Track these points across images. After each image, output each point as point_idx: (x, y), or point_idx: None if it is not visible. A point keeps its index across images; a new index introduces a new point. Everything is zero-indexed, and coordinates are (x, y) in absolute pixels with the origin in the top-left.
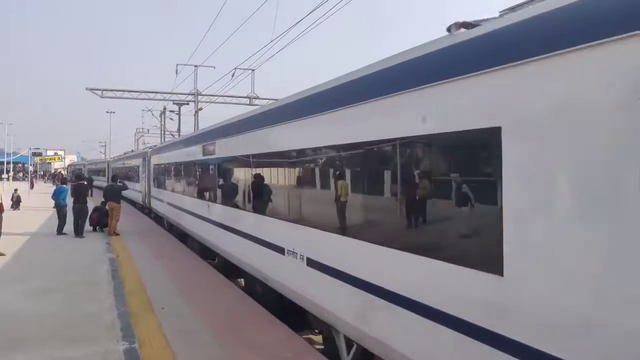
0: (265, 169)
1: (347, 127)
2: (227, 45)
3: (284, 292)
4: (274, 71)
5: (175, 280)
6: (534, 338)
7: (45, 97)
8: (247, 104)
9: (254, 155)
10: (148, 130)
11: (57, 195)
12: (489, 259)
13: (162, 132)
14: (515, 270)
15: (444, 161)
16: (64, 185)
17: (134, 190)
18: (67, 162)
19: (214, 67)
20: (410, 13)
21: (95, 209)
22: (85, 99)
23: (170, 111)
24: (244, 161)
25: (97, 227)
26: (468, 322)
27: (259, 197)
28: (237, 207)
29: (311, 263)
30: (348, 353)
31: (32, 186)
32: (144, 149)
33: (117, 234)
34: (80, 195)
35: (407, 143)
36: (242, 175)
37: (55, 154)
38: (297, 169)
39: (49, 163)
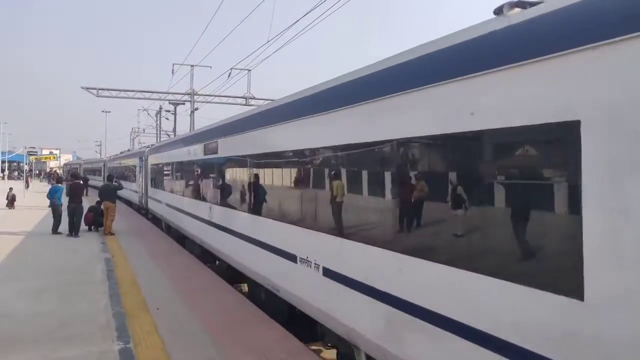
0: (276, 170)
1: (396, 119)
2: (224, 46)
3: (294, 303)
4: (275, 71)
5: (170, 281)
6: None
7: (40, 96)
8: (243, 104)
9: (265, 155)
10: (144, 130)
11: (53, 195)
12: (565, 279)
13: (158, 132)
14: (599, 294)
15: (507, 162)
16: (60, 185)
17: (131, 191)
18: (63, 161)
19: (210, 67)
20: (406, 13)
21: (91, 209)
22: (80, 98)
23: (166, 111)
24: (253, 160)
25: (92, 227)
26: (534, 353)
27: (268, 200)
28: (243, 210)
29: (329, 273)
30: None
31: (27, 185)
32: (140, 148)
33: (112, 234)
34: (75, 195)
35: (451, 140)
36: (249, 177)
37: (51, 153)
38: (316, 170)
39: (45, 162)
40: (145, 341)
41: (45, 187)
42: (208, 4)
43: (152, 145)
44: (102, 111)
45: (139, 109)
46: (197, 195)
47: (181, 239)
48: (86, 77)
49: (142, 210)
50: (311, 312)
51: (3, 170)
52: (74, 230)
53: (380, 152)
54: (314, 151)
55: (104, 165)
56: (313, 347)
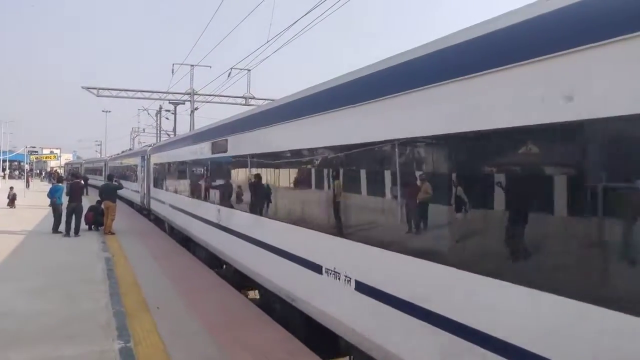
0: (298, 169)
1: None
2: (224, 46)
3: (317, 318)
4: (275, 71)
5: (171, 280)
6: None
7: (41, 95)
8: (243, 104)
9: (289, 153)
10: (144, 130)
11: (53, 194)
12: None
13: (158, 132)
14: None
15: (572, 161)
16: (60, 184)
17: (132, 191)
18: (63, 160)
19: (210, 67)
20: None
21: (91, 208)
22: (81, 98)
23: (166, 110)
24: (270, 160)
25: (93, 226)
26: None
27: (287, 204)
28: (258, 213)
29: (363, 289)
30: None
31: (28, 184)
32: (142, 147)
33: (112, 233)
34: (75, 194)
35: (503, 136)
36: (266, 178)
37: (52, 152)
38: (347, 170)
39: (45, 162)
40: (145, 340)
41: (46, 186)
42: (208, 4)
43: (154, 144)
44: (103, 111)
45: (139, 109)
46: (205, 196)
47: (185, 241)
48: (86, 77)
49: (144, 211)
50: (338, 330)
51: (4, 170)
52: (71, 230)
53: (439, 145)
54: (360, 147)
55: (105, 164)
56: None
